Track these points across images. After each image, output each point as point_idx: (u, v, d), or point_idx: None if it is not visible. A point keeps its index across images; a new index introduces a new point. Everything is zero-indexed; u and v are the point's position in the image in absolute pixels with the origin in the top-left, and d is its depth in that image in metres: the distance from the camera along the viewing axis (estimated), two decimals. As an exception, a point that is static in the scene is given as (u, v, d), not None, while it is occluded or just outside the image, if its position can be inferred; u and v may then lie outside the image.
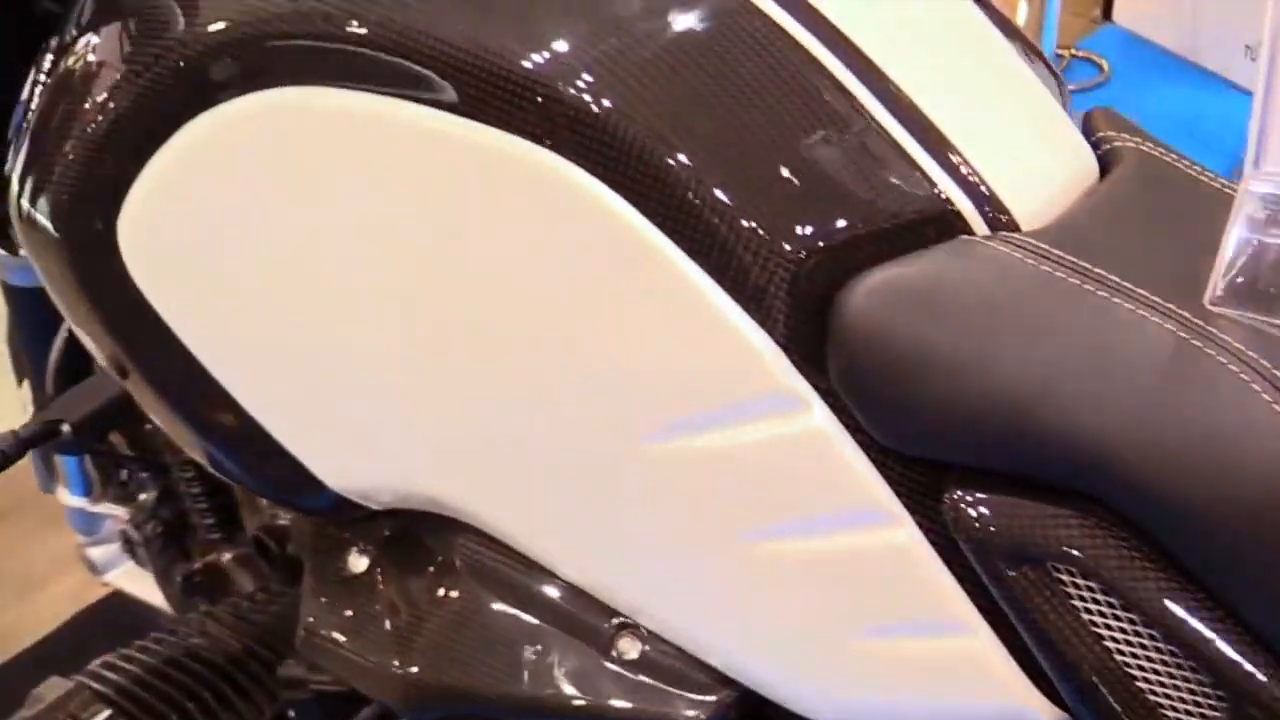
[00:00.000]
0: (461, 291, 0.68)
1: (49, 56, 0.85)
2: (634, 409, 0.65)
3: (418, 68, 0.65)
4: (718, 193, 0.60)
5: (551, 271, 0.64)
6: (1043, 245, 0.60)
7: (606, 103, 0.61)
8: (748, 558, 0.65)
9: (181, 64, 0.71)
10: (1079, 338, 0.57)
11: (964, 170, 0.62)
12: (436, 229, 0.67)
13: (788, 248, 0.60)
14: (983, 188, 0.62)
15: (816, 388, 0.61)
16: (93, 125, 0.74)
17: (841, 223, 0.61)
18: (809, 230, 0.60)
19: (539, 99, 0.62)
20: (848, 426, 0.61)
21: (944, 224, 0.61)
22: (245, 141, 0.71)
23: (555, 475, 0.69)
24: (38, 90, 0.84)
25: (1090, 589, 0.57)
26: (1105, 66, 2.76)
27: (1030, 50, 0.77)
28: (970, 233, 0.62)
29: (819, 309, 0.60)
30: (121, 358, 0.82)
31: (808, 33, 0.65)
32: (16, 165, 0.83)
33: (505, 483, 0.72)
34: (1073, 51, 2.78)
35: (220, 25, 0.70)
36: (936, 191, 0.62)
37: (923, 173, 0.62)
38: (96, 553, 1.31)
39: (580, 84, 0.62)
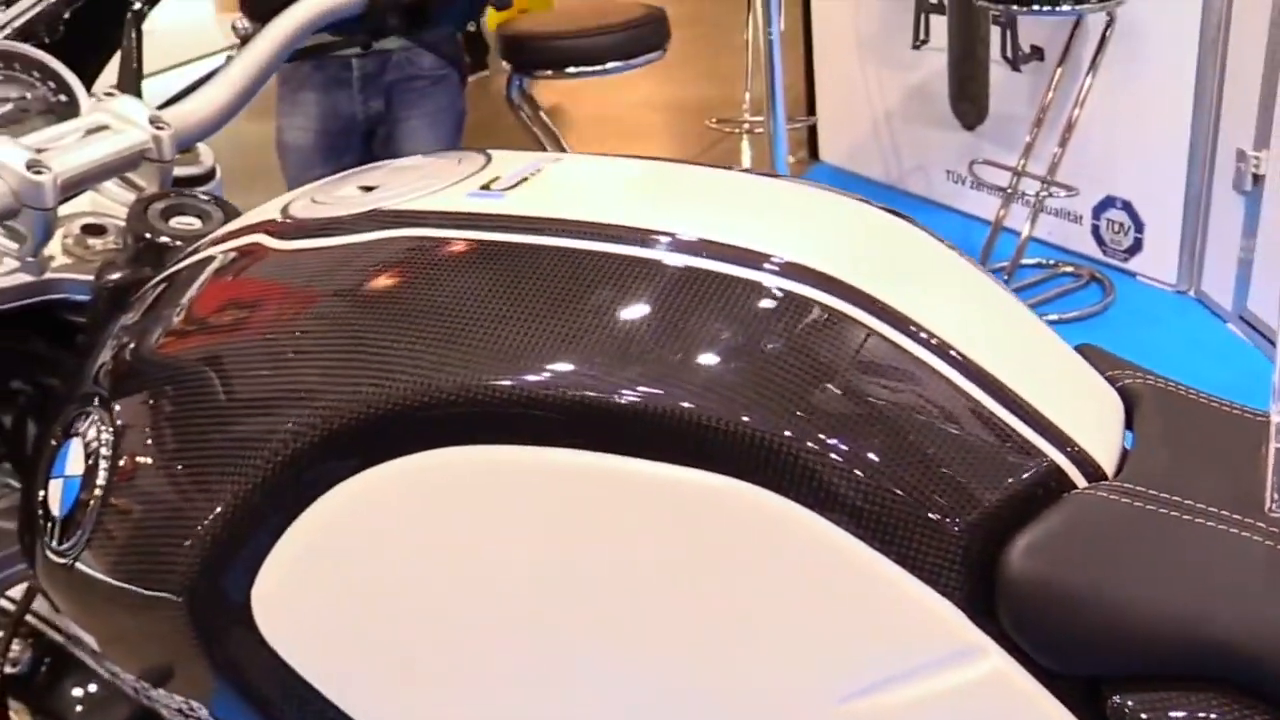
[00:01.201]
0: (655, 612, 0.76)
1: (104, 429, 0.88)
2: (829, 677, 0.75)
3: (567, 418, 0.74)
4: (891, 490, 0.73)
5: (743, 582, 0.75)
6: (1139, 488, 0.75)
7: (785, 430, 0.73)
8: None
9: (308, 446, 0.77)
10: (1198, 562, 0.73)
11: (1054, 434, 0.77)
12: (617, 561, 0.76)
13: (950, 526, 0.73)
14: (1071, 445, 0.77)
15: (990, 634, 0.74)
16: (213, 516, 0.79)
17: (983, 498, 0.74)
18: (962, 508, 0.74)
19: (707, 431, 0.73)
20: (1019, 660, 0.74)
21: (1054, 483, 0.76)
22: (393, 503, 0.77)
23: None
24: (102, 468, 0.87)
25: None
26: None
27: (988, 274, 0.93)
28: (1074, 486, 0.76)
29: (982, 569, 0.73)
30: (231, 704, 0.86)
31: (896, 330, 0.78)
32: (78, 544, 0.86)
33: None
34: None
35: (355, 397, 0.77)
36: (1044, 458, 0.76)
37: (1028, 443, 0.76)
38: None
39: (743, 411, 0.73)
